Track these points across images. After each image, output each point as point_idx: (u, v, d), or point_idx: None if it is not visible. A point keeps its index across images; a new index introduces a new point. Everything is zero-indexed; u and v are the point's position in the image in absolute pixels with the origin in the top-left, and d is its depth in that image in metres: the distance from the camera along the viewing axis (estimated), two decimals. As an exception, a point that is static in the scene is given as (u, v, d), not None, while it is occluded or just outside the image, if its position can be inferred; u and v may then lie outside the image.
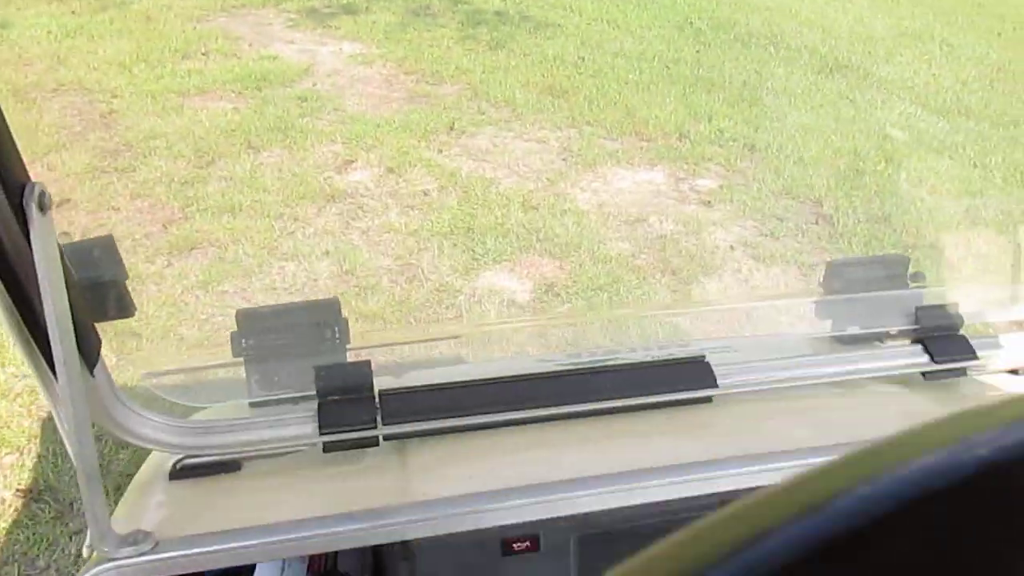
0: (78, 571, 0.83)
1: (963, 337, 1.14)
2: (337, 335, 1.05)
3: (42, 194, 0.66)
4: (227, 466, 0.96)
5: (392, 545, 0.89)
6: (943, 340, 1.13)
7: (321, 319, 1.05)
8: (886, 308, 1.16)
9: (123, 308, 0.84)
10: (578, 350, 1.14)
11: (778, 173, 4.51)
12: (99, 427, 0.83)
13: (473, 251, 3.58)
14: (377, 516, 0.85)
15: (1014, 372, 1.20)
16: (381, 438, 0.95)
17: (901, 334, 1.16)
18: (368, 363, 0.99)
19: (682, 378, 1.02)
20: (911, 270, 1.29)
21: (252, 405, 1.06)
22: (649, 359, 1.02)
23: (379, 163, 4.33)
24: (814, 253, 3.81)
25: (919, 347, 1.13)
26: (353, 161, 4.35)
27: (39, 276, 0.67)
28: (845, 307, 1.17)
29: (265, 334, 1.04)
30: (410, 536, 0.85)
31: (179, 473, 0.95)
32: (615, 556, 0.90)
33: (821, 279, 1.28)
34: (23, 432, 2.53)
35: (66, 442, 0.77)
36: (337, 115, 4.89)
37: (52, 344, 0.70)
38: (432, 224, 3.76)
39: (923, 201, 4.33)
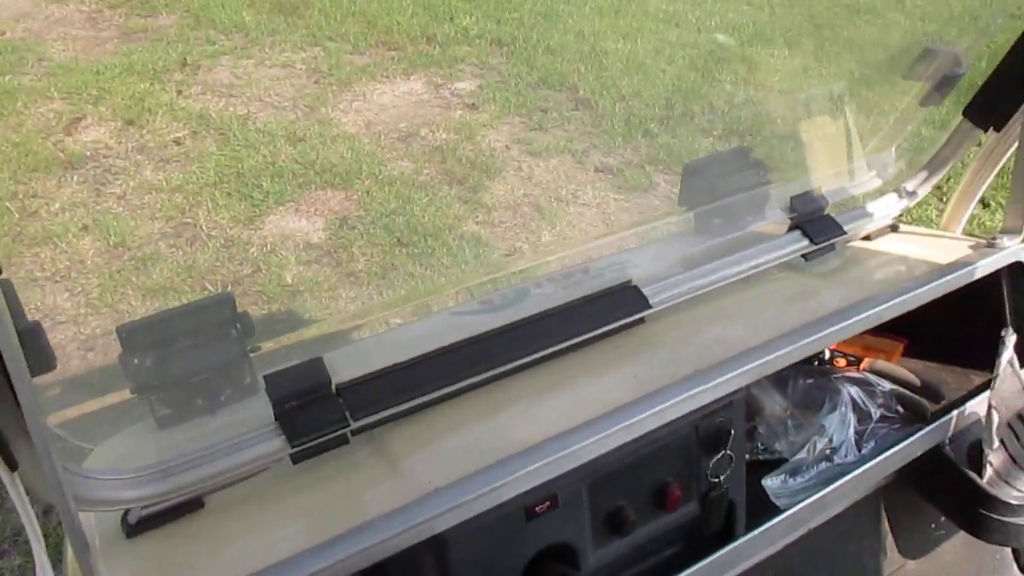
0: None
1: (829, 216, 1.26)
2: (235, 333, 0.95)
3: None
4: (189, 505, 0.86)
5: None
6: (816, 222, 1.23)
7: (217, 319, 0.95)
8: (756, 204, 1.24)
9: (46, 361, 0.70)
10: (497, 297, 1.11)
11: (530, 65, 4.58)
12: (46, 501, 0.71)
13: (250, 197, 3.36)
14: (393, 521, 0.80)
15: (867, 238, 1.35)
16: (350, 435, 0.89)
17: (778, 225, 1.25)
18: (320, 359, 0.91)
19: (619, 305, 1.04)
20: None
21: (161, 428, 0.94)
22: (583, 295, 1.03)
23: (113, 116, 3.88)
24: (583, 139, 3.95)
25: (798, 232, 1.23)
26: (81, 118, 3.86)
27: None
28: (722, 210, 1.24)
29: (157, 348, 0.92)
30: (439, 530, 0.81)
31: (136, 528, 0.83)
32: (622, 494, 0.92)
33: (680, 190, 1.33)
34: None
35: (31, 527, 0.65)
36: (44, 66, 4.29)
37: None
38: (196, 176, 3.47)
39: (666, 73, 4.59)
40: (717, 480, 1.02)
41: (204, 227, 3.19)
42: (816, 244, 1.22)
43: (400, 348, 0.98)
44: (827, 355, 1.36)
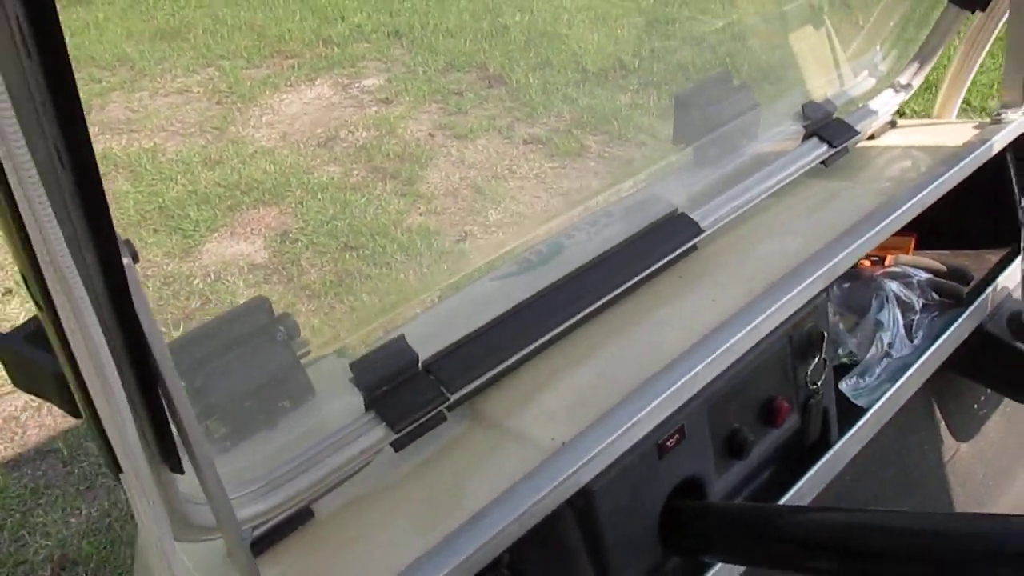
0: None
1: (840, 119, 1.25)
2: (281, 336, 0.88)
3: (129, 243, 0.53)
4: (300, 517, 0.78)
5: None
6: (829, 127, 1.22)
7: (258, 324, 0.87)
8: (763, 122, 1.23)
9: None
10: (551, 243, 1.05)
11: (434, 51, 4.51)
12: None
13: (180, 229, 3.20)
14: (534, 483, 0.74)
15: (871, 138, 1.35)
16: (445, 411, 0.83)
17: (793, 135, 1.23)
18: (403, 337, 0.84)
19: (674, 234, 1.00)
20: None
21: (223, 451, 0.86)
22: (632, 231, 0.99)
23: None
24: (505, 115, 3.91)
25: (815, 139, 1.21)
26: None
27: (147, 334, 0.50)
28: (729, 133, 1.21)
29: (203, 367, 0.84)
30: (583, 483, 0.75)
31: (257, 549, 0.75)
32: (735, 416, 0.89)
33: (674, 125, 1.29)
34: None
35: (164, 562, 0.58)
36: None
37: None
38: (117, 218, 3.28)
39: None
40: (815, 387, 1.00)
41: (138, 268, 3.02)
42: (834, 147, 1.22)
43: (465, 318, 0.92)
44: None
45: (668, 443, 0.84)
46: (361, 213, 3.22)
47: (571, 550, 0.80)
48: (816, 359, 1.00)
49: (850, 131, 1.24)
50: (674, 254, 1.00)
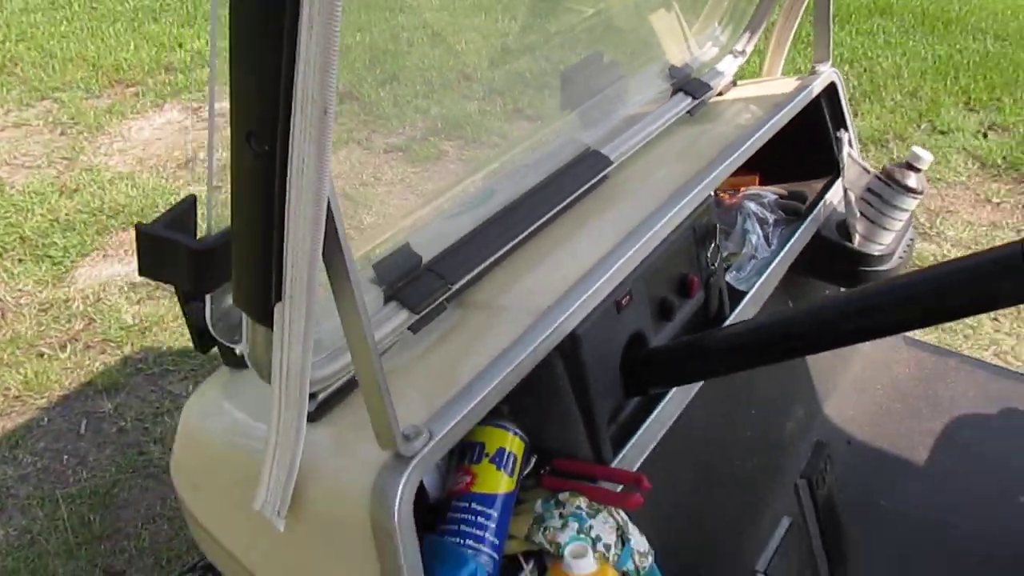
0: None
1: (698, 79, 1.55)
2: None
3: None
4: (350, 386, 0.95)
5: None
6: (691, 84, 1.53)
7: None
8: (643, 82, 1.51)
9: None
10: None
11: (280, 73, 4.61)
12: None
13: (48, 257, 3.16)
14: (535, 332, 0.96)
15: (720, 95, 1.66)
16: (445, 302, 1.03)
17: (663, 92, 1.53)
18: (408, 245, 1.03)
19: (594, 165, 1.26)
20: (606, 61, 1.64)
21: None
22: (568, 162, 1.24)
23: None
24: (361, 128, 4.08)
25: (681, 94, 1.51)
26: None
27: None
28: (611, 93, 1.49)
29: None
30: (569, 330, 0.98)
31: (318, 412, 0.94)
32: (663, 287, 1.17)
33: (562, 95, 1.55)
34: None
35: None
36: None
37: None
38: (-25, 251, 3.20)
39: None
40: (714, 267, 1.28)
41: (10, 299, 2.97)
42: (697, 99, 1.52)
43: (443, 234, 1.13)
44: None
45: (623, 301, 1.08)
46: (236, 226, 3.30)
47: (560, 391, 1.03)
48: (712, 245, 1.28)
49: (706, 87, 1.55)
50: (598, 177, 1.26)
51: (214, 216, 0.86)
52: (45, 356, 2.72)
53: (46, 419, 2.50)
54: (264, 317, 0.73)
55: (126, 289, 3.01)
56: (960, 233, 3.30)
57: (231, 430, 1.04)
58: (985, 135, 4.02)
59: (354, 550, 0.84)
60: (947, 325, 2.75)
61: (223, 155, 0.74)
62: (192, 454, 1.09)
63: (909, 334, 1.92)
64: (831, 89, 1.65)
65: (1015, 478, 1.55)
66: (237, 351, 1.05)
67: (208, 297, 0.92)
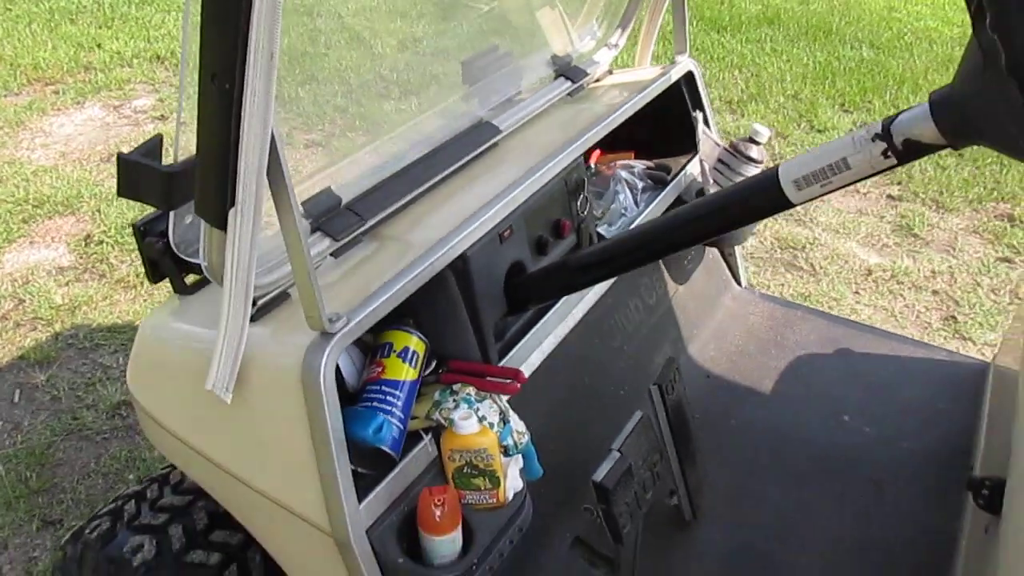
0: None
1: (577, 67, 1.83)
2: None
3: None
4: (280, 297, 1.18)
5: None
6: (571, 71, 1.80)
7: None
8: (530, 68, 1.78)
9: None
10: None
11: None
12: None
13: (-27, 243, 3.26)
14: (436, 249, 1.22)
15: (597, 81, 1.94)
16: (361, 235, 1.27)
17: (540, 80, 1.79)
18: (330, 188, 1.26)
19: (487, 133, 1.52)
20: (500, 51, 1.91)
21: None
22: (471, 125, 1.51)
23: None
24: (281, 124, 4.26)
25: (562, 79, 1.78)
26: None
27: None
28: (502, 77, 1.74)
29: None
30: (461, 251, 1.23)
31: (258, 313, 1.16)
32: (539, 227, 1.46)
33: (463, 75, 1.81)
34: None
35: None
36: None
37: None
38: (-102, 238, 3.28)
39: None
40: (584, 215, 1.55)
41: (-65, 283, 3.06)
42: (576, 83, 1.80)
43: (360, 182, 1.37)
44: (594, 168, 1.95)
45: (504, 234, 1.34)
46: (161, 214, 3.45)
47: (455, 305, 1.28)
48: (582, 196, 1.55)
49: (583, 73, 1.83)
50: (490, 143, 1.53)
51: (180, 147, 1.08)
52: (-20, 335, 2.83)
53: (-20, 391, 2.62)
54: (220, 222, 0.96)
55: (54, 272, 3.13)
56: (830, 219, 3.69)
57: (182, 337, 1.26)
58: (856, 134, 4.44)
59: (288, 414, 1.07)
60: (817, 300, 3.12)
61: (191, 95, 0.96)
62: (148, 363, 1.30)
63: (762, 291, 2.24)
64: (690, 76, 1.95)
65: (841, 403, 1.87)
66: (187, 278, 1.28)
67: (171, 217, 1.14)
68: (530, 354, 1.43)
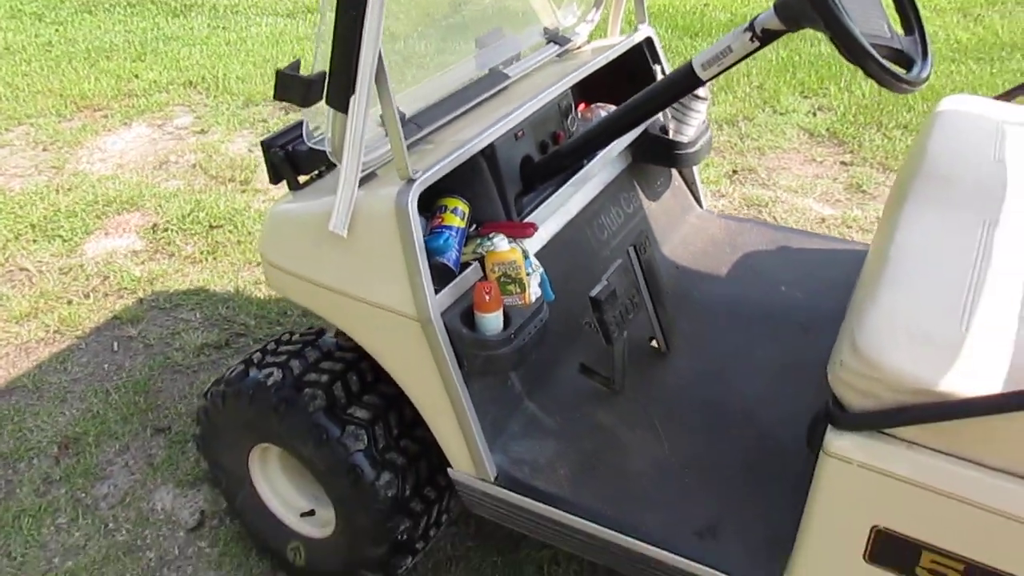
0: None
1: (563, 35, 2.41)
2: None
3: None
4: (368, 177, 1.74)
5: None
6: (557, 38, 2.38)
7: None
8: (525, 37, 2.36)
9: None
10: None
11: (230, 92, 5.35)
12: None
13: (59, 236, 3.82)
14: (475, 139, 1.75)
15: (578, 49, 2.52)
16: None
17: (536, 45, 2.38)
18: (398, 108, 1.82)
19: (500, 80, 2.10)
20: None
21: None
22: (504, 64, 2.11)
23: None
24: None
25: (552, 44, 2.36)
26: None
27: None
28: (502, 44, 2.32)
29: None
30: (491, 142, 1.79)
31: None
32: (543, 134, 2.05)
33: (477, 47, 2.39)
34: None
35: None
36: None
37: None
38: (5, 232, 3.83)
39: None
40: (572, 130, 2.12)
41: (32, 268, 3.62)
42: (562, 48, 2.39)
43: (417, 100, 1.94)
44: (580, 115, 2.51)
45: (518, 135, 1.91)
46: (213, 205, 4.02)
47: (486, 182, 1.84)
48: (570, 116, 2.12)
49: (567, 40, 2.41)
50: (503, 85, 2.10)
51: (316, 63, 1.64)
52: (73, 303, 3.38)
53: (84, 344, 3.17)
54: (344, 106, 1.52)
55: (129, 255, 3.69)
56: (790, 183, 4.26)
57: (303, 210, 1.81)
58: (814, 114, 5.04)
59: (387, 238, 1.62)
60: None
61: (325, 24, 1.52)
62: (279, 233, 1.86)
63: (720, 212, 2.81)
64: (650, 41, 2.52)
65: (779, 279, 2.42)
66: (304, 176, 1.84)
67: (306, 125, 1.72)
68: (542, 222, 2.00)
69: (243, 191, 4.18)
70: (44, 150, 4.73)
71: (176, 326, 3.24)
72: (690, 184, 2.74)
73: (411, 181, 1.62)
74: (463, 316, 1.66)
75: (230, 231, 3.81)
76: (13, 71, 5.82)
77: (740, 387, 2.04)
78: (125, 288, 3.45)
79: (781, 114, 5.05)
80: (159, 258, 3.66)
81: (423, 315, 1.62)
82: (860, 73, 1.48)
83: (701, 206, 2.78)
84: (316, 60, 1.61)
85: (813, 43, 6.09)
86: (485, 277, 1.74)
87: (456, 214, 1.77)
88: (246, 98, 5.27)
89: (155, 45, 6.26)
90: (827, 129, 4.80)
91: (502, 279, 1.70)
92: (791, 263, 2.49)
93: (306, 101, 1.62)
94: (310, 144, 1.76)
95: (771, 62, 5.73)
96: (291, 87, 1.60)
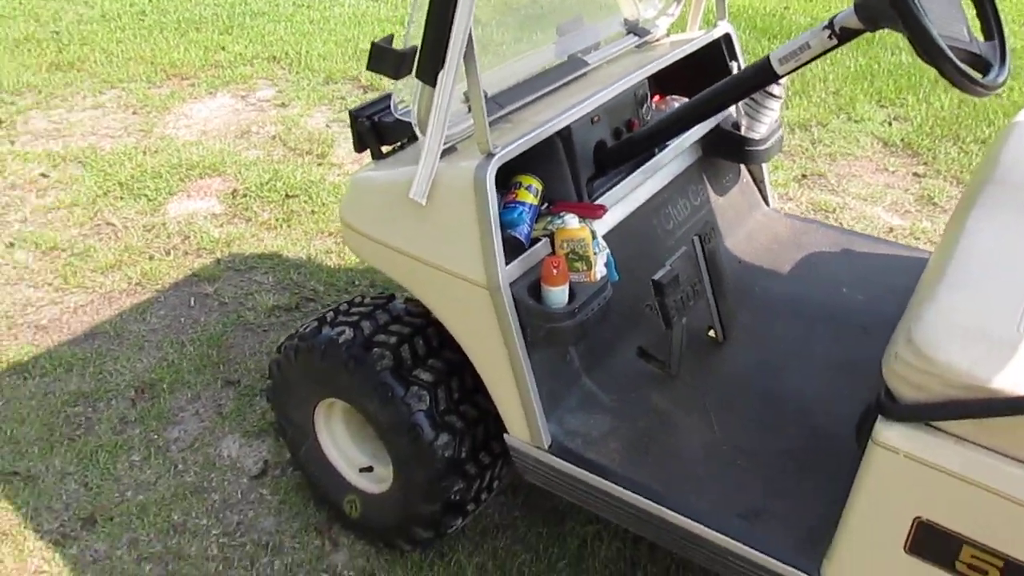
0: None
1: (643, 27, 2.47)
2: None
3: None
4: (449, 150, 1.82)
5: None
6: (637, 30, 2.44)
7: None
8: (605, 27, 2.42)
9: None
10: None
11: (312, 69, 5.50)
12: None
13: (144, 195, 4.00)
14: (552, 120, 1.83)
15: (658, 41, 2.57)
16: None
17: (615, 35, 2.44)
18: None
19: (579, 66, 2.17)
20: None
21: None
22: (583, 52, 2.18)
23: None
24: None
25: (632, 35, 2.42)
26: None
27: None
28: (587, 33, 2.38)
29: None
30: (570, 122, 1.87)
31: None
32: (618, 120, 2.11)
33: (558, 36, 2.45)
34: None
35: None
36: None
37: None
38: (84, 193, 4.03)
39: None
40: (647, 120, 2.18)
41: (118, 223, 3.81)
42: (642, 39, 2.44)
43: (501, 80, 2.01)
44: (655, 106, 2.56)
45: (594, 119, 1.98)
46: (290, 175, 4.16)
47: (561, 162, 1.91)
48: (645, 106, 2.18)
49: (647, 32, 2.47)
50: (582, 71, 2.17)
51: (408, 38, 1.72)
52: (154, 259, 3.56)
53: (163, 298, 3.33)
54: (432, 80, 1.61)
55: (209, 217, 3.86)
56: (860, 190, 4.24)
57: (386, 178, 1.91)
58: (890, 124, 4.98)
59: (464, 208, 1.70)
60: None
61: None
62: (360, 200, 1.96)
63: (786, 212, 2.84)
64: (727, 38, 2.56)
65: (841, 280, 2.44)
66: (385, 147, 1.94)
67: (393, 97, 1.81)
68: (611, 205, 2.06)
69: (319, 164, 4.32)
70: (134, 113, 4.94)
71: (250, 287, 3.38)
72: (758, 182, 2.77)
73: (490, 156, 1.70)
74: (530, 288, 1.74)
75: (305, 201, 3.95)
76: (108, 37, 6.07)
77: (795, 382, 2.07)
78: (204, 248, 3.61)
79: (856, 121, 5.00)
80: (237, 222, 3.81)
81: (492, 283, 1.70)
82: (940, 85, 1.51)
83: (768, 204, 2.80)
84: (408, 36, 1.70)
85: (893, 52, 6.00)
86: (554, 253, 1.81)
87: (530, 191, 1.84)
88: (326, 75, 5.42)
89: (242, 20, 6.46)
90: (902, 139, 4.74)
91: (570, 256, 1.76)
92: (854, 266, 2.50)
93: (398, 73, 1.71)
94: (397, 115, 1.85)
95: (848, 69, 5.67)
96: (384, 59, 1.69)
